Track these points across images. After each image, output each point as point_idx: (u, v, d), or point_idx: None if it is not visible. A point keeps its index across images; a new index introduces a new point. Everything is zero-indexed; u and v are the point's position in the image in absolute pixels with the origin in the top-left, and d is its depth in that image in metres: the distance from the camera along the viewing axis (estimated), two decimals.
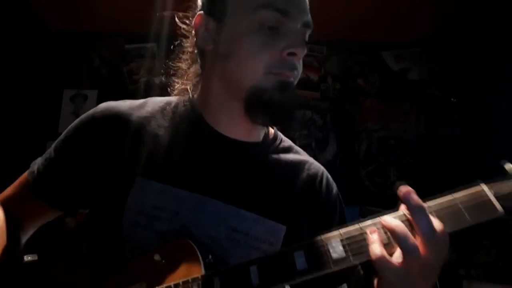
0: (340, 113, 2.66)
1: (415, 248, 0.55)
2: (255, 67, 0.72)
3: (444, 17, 2.37)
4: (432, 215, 0.58)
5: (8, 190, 0.88)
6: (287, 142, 0.90)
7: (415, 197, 0.59)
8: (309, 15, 0.77)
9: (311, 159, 0.90)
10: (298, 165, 0.86)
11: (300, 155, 0.89)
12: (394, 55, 2.72)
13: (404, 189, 0.60)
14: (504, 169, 0.60)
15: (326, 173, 0.89)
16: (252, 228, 0.74)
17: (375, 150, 2.62)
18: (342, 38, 2.64)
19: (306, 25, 0.76)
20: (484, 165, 2.34)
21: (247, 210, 0.75)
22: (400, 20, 2.41)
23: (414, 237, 0.56)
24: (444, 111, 2.64)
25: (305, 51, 0.74)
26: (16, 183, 0.87)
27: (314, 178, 0.86)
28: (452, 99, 2.63)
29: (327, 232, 0.62)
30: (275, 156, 0.84)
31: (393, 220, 0.59)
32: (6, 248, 0.77)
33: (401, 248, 0.56)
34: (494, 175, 0.60)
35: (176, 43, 0.88)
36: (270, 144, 0.85)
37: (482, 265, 2.39)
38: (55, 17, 2.57)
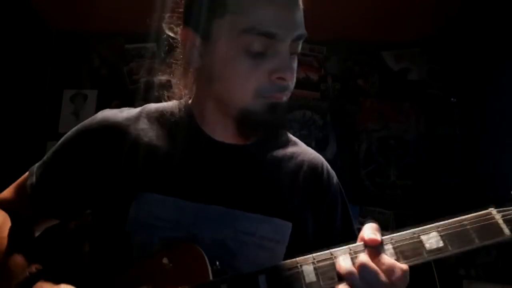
0: (340, 113, 2.66)
1: None
2: (244, 92, 0.72)
3: (444, 17, 2.37)
4: (390, 245, 0.62)
5: (7, 193, 0.87)
6: (284, 135, 0.90)
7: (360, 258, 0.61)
8: (301, 26, 0.73)
9: (309, 150, 0.90)
10: (297, 158, 0.85)
11: (297, 146, 0.89)
12: (394, 55, 2.72)
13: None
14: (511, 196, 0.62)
15: (325, 163, 0.89)
16: (258, 228, 0.74)
17: (375, 150, 2.62)
18: (342, 38, 2.63)
19: (297, 38, 0.73)
20: (483, 165, 2.34)
21: (251, 212, 0.74)
22: (400, 20, 2.41)
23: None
24: (444, 111, 2.64)
25: (294, 73, 0.73)
26: (15, 187, 0.87)
27: (315, 169, 0.85)
28: (452, 99, 2.63)
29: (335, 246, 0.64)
30: (273, 153, 0.84)
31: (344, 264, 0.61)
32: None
33: None
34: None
35: (167, 44, 0.86)
36: (268, 141, 0.84)
37: (482, 265, 2.39)
38: (55, 17, 2.57)
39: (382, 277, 0.58)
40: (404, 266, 0.59)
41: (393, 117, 2.66)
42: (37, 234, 0.90)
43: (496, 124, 2.37)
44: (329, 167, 0.89)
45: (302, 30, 0.73)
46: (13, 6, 2.30)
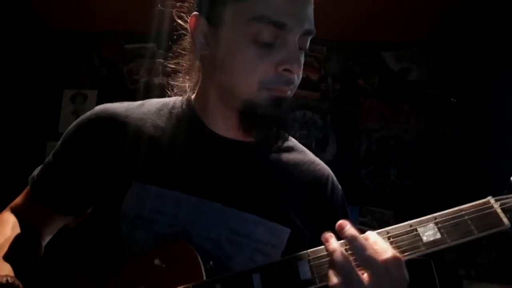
0: (340, 113, 2.66)
1: (347, 273, 0.55)
2: (249, 82, 0.70)
3: (444, 17, 2.37)
4: (386, 240, 0.59)
5: (17, 200, 0.88)
6: (291, 141, 0.87)
7: (348, 229, 0.59)
8: (311, 21, 0.72)
9: (316, 160, 0.87)
10: (302, 166, 0.83)
11: (304, 155, 0.86)
12: (394, 55, 2.72)
13: (340, 224, 0.60)
14: (511, 184, 0.59)
15: (331, 175, 0.86)
16: (254, 230, 0.72)
17: (375, 150, 2.62)
18: (342, 38, 2.63)
19: (306, 33, 0.71)
20: (484, 165, 2.34)
21: (248, 212, 0.73)
22: (400, 20, 2.40)
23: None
24: (444, 111, 2.64)
25: (301, 66, 0.71)
26: (24, 192, 0.88)
27: (318, 179, 0.83)
28: (452, 99, 2.63)
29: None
30: (277, 156, 0.82)
31: (333, 243, 0.59)
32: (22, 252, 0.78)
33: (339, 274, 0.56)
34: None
35: (175, 36, 0.85)
36: (272, 144, 0.81)
37: (482, 265, 2.39)
38: (55, 17, 2.57)
39: (374, 253, 0.55)
40: (397, 254, 0.56)
41: (393, 117, 2.66)
42: (48, 239, 0.90)
43: (496, 124, 2.37)
44: (334, 179, 0.86)
45: (311, 26, 0.72)
46: (13, 6, 2.30)
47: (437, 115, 2.64)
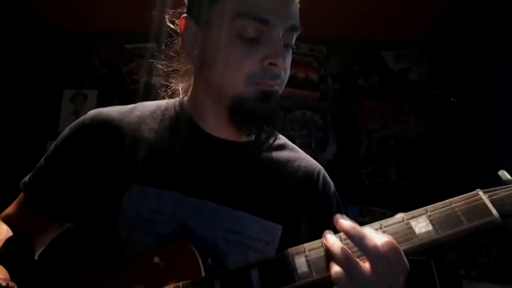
0: (340, 113, 2.66)
1: (348, 264, 0.55)
2: (236, 77, 0.72)
3: (443, 17, 2.38)
4: (379, 231, 0.59)
5: (8, 209, 0.88)
6: (281, 139, 0.89)
7: (345, 221, 0.59)
8: (295, 18, 0.75)
9: (307, 157, 0.89)
10: (293, 163, 0.85)
11: (295, 152, 0.88)
12: (394, 55, 2.72)
13: (338, 219, 0.60)
14: (499, 176, 0.61)
15: (322, 171, 0.88)
16: (247, 228, 0.74)
17: (375, 150, 2.62)
18: (342, 38, 2.63)
19: (290, 29, 0.74)
20: (484, 165, 2.35)
21: (241, 210, 0.74)
22: (399, 20, 2.41)
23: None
24: (444, 111, 2.64)
25: (286, 60, 0.73)
26: (16, 201, 0.88)
27: (309, 175, 0.85)
28: (452, 99, 2.63)
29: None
30: (268, 154, 0.84)
31: (331, 238, 0.59)
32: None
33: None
34: (492, 179, 0.62)
35: (168, 41, 0.87)
36: (263, 143, 0.84)
37: (482, 265, 2.39)
38: (55, 17, 2.57)
39: (373, 243, 0.55)
40: (395, 243, 0.56)
41: (393, 117, 2.66)
42: (40, 250, 0.90)
43: (495, 123, 2.37)
44: (326, 175, 0.88)
45: (295, 22, 0.74)
46: (13, 6, 2.30)
47: (437, 114, 2.64)
